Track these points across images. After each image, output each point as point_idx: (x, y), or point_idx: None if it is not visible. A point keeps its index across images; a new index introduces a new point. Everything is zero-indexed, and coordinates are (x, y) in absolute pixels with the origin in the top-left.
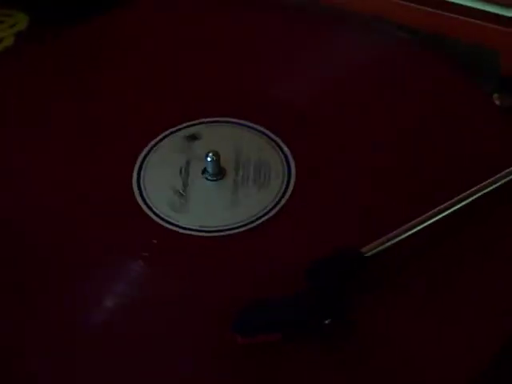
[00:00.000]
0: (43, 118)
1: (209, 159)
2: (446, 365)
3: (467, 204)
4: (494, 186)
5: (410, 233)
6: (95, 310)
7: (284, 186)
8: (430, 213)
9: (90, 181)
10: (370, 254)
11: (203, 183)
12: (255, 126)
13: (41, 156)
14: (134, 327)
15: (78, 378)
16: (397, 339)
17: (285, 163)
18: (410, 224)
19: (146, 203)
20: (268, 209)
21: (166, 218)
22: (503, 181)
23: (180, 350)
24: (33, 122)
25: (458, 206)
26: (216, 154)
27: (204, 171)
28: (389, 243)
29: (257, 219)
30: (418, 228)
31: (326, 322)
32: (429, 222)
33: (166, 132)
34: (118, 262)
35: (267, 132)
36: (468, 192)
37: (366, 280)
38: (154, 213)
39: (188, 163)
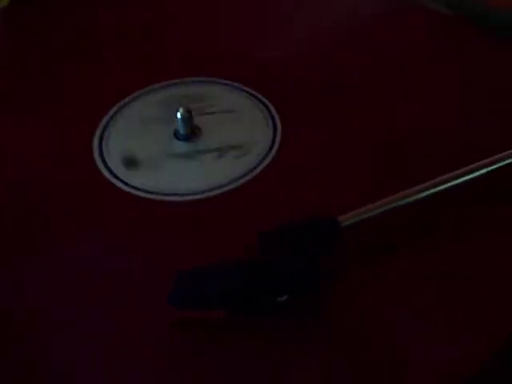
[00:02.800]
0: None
1: (179, 116)
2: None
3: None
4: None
5: (390, 206)
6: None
7: (266, 150)
8: (418, 187)
9: (51, 136)
10: (346, 223)
11: (175, 144)
12: (240, 85)
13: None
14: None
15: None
16: (372, 322)
17: (271, 125)
18: (392, 197)
19: (106, 166)
20: (247, 171)
21: (130, 183)
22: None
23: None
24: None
25: (444, 186)
26: (188, 111)
27: (176, 132)
28: (368, 214)
29: (229, 183)
30: (400, 203)
31: (281, 298)
32: (413, 199)
33: (136, 94)
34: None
35: (254, 92)
36: (460, 171)
37: (339, 253)
38: (116, 176)
39: (159, 123)
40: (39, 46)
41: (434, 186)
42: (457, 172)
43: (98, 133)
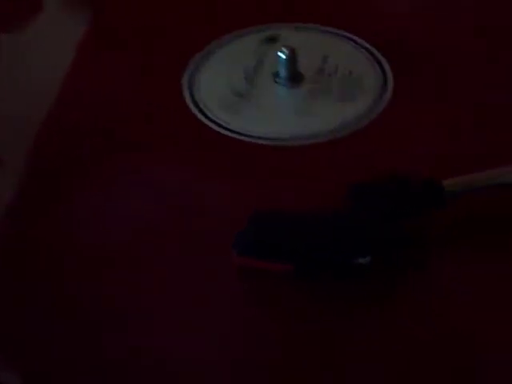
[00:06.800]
0: None
1: (283, 56)
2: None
3: None
4: None
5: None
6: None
7: (372, 105)
8: None
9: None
10: (451, 189)
11: (273, 88)
12: (353, 36)
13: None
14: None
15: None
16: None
17: (381, 80)
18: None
19: (196, 104)
20: (345, 125)
21: (218, 121)
22: None
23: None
24: None
25: None
26: (292, 52)
27: (276, 74)
28: (478, 184)
29: (327, 134)
30: None
31: (362, 260)
32: None
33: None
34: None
35: (366, 45)
36: None
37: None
38: (205, 115)
39: (258, 65)
40: None
41: None
42: None
43: (188, 71)
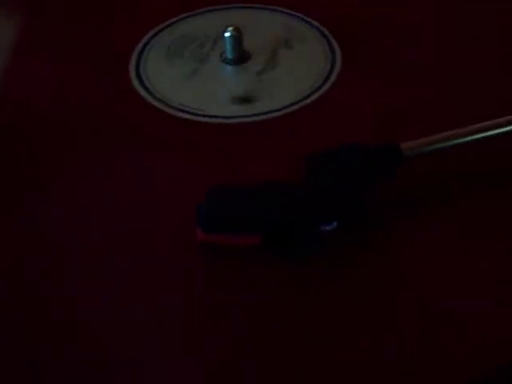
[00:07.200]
0: None
1: (227, 34)
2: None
3: None
4: None
5: (461, 141)
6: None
7: (321, 81)
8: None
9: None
10: (409, 153)
11: (221, 67)
12: (304, 16)
13: None
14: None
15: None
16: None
17: (330, 58)
18: (464, 130)
19: (145, 87)
20: (295, 101)
21: (167, 102)
22: None
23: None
24: None
25: None
26: (237, 31)
27: (223, 54)
28: (434, 146)
29: (277, 110)
30: (474, 137)
31: (328, 227)
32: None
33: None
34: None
35: (316, 24)
36: None
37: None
38: (155, 97)
39: (206, 45)
40: None
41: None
42: None
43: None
